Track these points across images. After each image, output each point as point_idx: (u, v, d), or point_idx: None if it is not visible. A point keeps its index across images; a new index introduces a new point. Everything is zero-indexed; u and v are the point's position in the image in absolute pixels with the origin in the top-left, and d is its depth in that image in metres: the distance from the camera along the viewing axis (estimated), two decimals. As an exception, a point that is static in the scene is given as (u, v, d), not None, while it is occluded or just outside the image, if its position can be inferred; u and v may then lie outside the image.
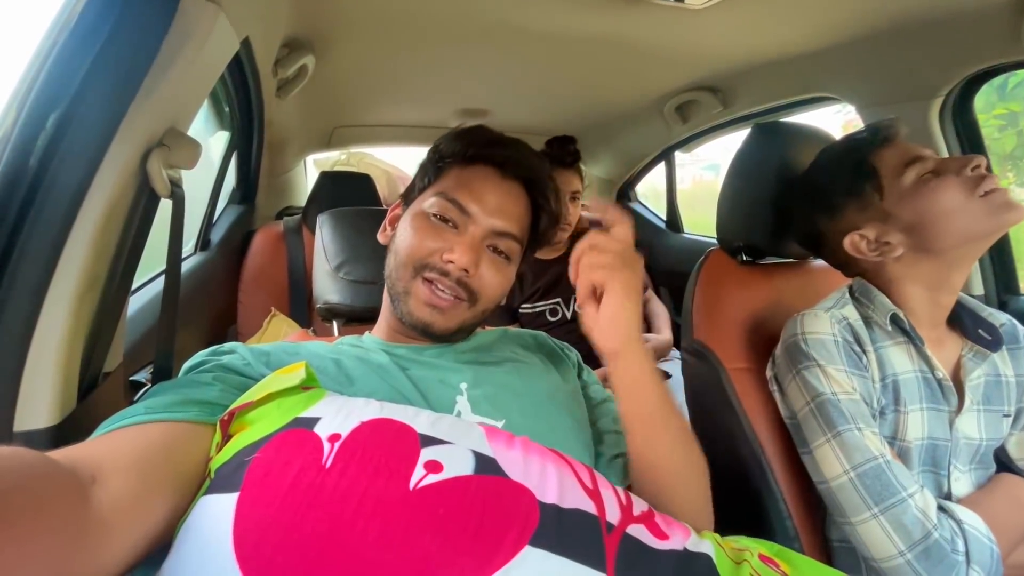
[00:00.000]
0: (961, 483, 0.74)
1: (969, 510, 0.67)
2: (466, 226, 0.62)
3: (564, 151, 1.52)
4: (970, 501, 0.73)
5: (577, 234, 1.65)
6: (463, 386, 0.61)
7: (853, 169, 0.77)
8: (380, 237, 0.72)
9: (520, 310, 1.59)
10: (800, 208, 0.86)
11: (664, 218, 2.09)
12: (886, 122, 0.79)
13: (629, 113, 1.76)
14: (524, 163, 0.66)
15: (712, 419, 0.89)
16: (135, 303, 0.91)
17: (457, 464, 0.43)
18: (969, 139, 1.07)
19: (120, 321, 0.58)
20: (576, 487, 0.46)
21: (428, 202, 0.63)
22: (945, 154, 1.05)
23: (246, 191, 1.58)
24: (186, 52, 0.52)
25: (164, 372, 0.63)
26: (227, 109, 1.30)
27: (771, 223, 0.93)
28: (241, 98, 1.19)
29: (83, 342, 0.52)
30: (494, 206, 0.63)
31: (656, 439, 0.57)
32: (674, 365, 1.49)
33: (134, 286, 0.97)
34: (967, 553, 0.63)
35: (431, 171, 0.67)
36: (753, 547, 0.52)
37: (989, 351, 0.76)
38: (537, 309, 1.57)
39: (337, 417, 0.46)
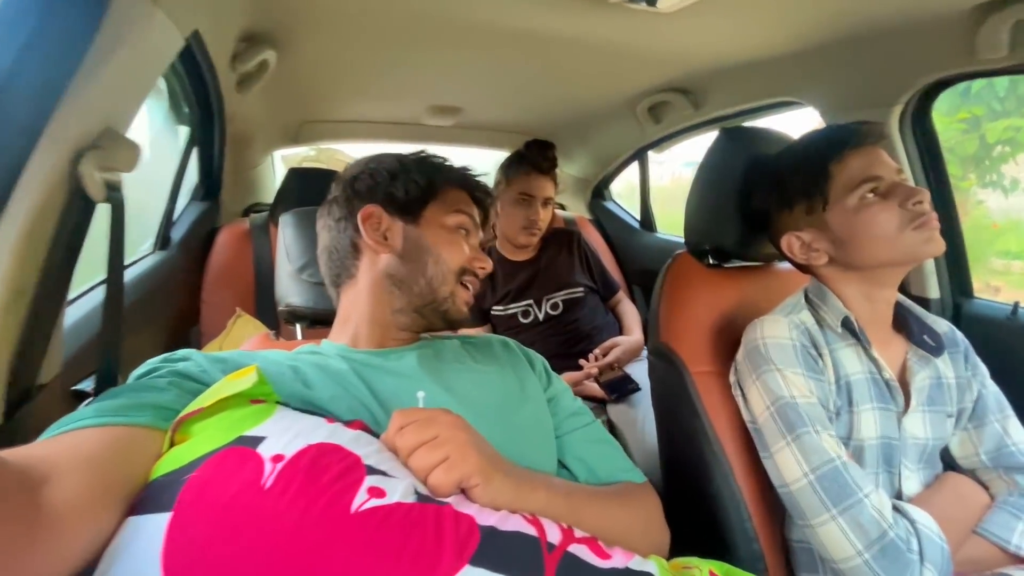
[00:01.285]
0: (911, 482, 0.76)
1: (921, 509, 0.69)
2: (475, 234, 0.75)
3: (542, 156, 1.52)
4: (920, 499, 0.75)
5: (548, 237, 1.65)
6: (420, 395, 0.61)
7: (814, 171, 0.77)
8: (370, 240, 0.69)
9: (492, 312, 1.58)
10: (761, 186, 0.86)
11: (638, 217, 2.10)
12: (866, 127, 0.77)
13: (602, 113, 1.76)
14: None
15: (676, 421, 0.90)
16: (83, 308, 0.87)
17: (400, 493, 0.43)
18: (927, 146, 1.10)
19: (55, 331, 0.55)
20: (516, 516, 0.46)
21: (452, 219, 0.72)
22: (904, 162, 1.08)
23: (209, 187, 1.53)
24: (121, 51, 0.49)
25: (109, 381, 0.61)
26: (184, 103, 1.25)
27: (737, 227, 0.93)
28: (198, 92, 1.15)
29: (10, 355, 0.49)
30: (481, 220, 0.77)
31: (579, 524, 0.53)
32: (644, 365, 1.50)
33: (83, 290, 0.93)
34: (921, 552, 0.64)
35: (423, 182, 0.73)
36: (703, 566, 0.53)
37: (932, 356, 0.79)
38: (509, 311, 1.56)
39: (284, 437, 0.45)
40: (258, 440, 0.44)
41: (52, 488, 0.36)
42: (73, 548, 0.37)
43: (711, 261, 0.99)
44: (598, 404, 1.45)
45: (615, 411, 1.40)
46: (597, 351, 1.47)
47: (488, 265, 0.74)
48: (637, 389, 1.38)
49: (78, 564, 0.37)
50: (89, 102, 0.49)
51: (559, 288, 1.57)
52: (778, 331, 0.77)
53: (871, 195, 0.74)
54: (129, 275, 1.16)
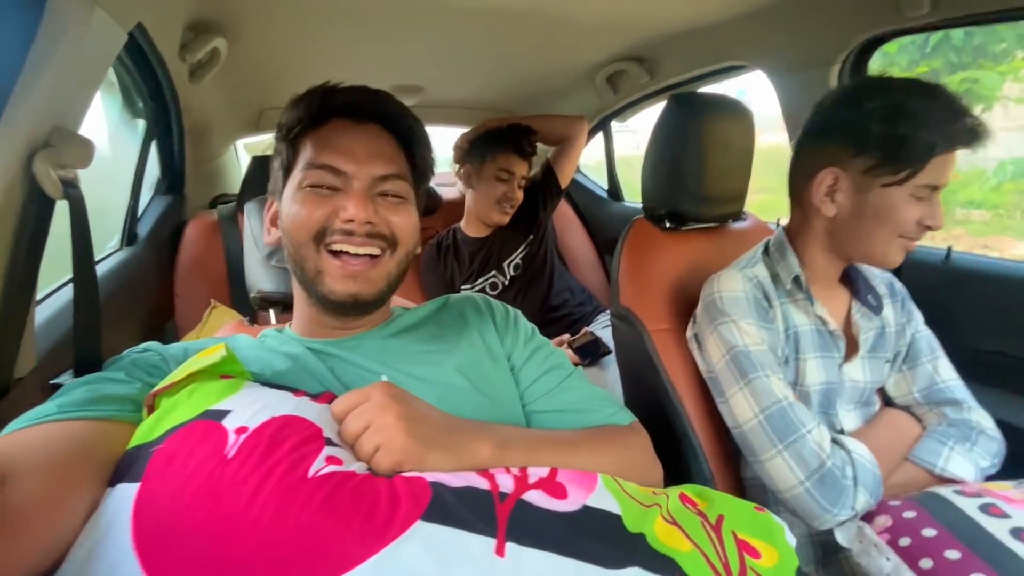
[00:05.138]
0: (848, 420, 0.83)
1: (857, 441, 0.75)
2: (348, 184, 0.59)
3: (526, 141, 1.56)
4: (859, 433, 0.82)
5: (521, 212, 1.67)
6: (384, 379, 0.60)
7: (920, 148, 0.68)
8: (267, 240, 0.67)
9: (462, 291, 1.62)
10: (869, 104, 0.72)
11: (605, 187, 2.13)
12: (983, 127, 0.68)
13: (562, 85, 1.78)
14: (373, 100, 0.63)
15: (638, 377, 0.95)
16: (60, 303, 0.88)
17: (356, 465, 0.45)
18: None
19: (26, 327, 0.57)
20: (468, 472, 0.47)
21: (299, 178, 0.60)
22: None
23: (172, 181, 1.52)
24: (63, 49, 0.50)
25: (87, 372, 0.62)
26: (138, 97, 1.23)
27: (692, 190, 0.97)
28: (150, 85, 1.13)
29: None
30: (364, 154, 0.60)
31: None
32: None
33: (57, 285, 0.93)
34: (855, 478, 0.71)
35: (286, 150, 0.62)
36: (674, 491, 0.53)
37: (874, 314, 0.85)
38: (477, 287, 1.61)
39: (249, 410, 0.46)
40: (224, 413, 0.45)
41: (12, 487, 0.36)
42: (37, 545, 0.37)
43: (667, 225, 1.03)
44: (572, 369, 1.51)
45: (588, 374, 1.46)
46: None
47: (350, 212, 0.57)
48: (608, 352, 1.44)
49: (42, 560, 0.38)
50: (37, 102, 0.50)
51: (515, 249, 1.63)
52: (733, 285, 0.81)
53: (917, 198, 0.71)
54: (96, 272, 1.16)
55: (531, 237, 1.64)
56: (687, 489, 0.54)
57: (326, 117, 0.61)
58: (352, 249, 0.59)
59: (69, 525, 0.39)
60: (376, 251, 0.60)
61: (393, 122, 0.64)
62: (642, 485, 0.56)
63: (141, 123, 1.35)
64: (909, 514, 0.68)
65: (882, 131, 0.70)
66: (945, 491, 0.69)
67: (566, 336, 1.50)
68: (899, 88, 0.71)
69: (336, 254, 0.59)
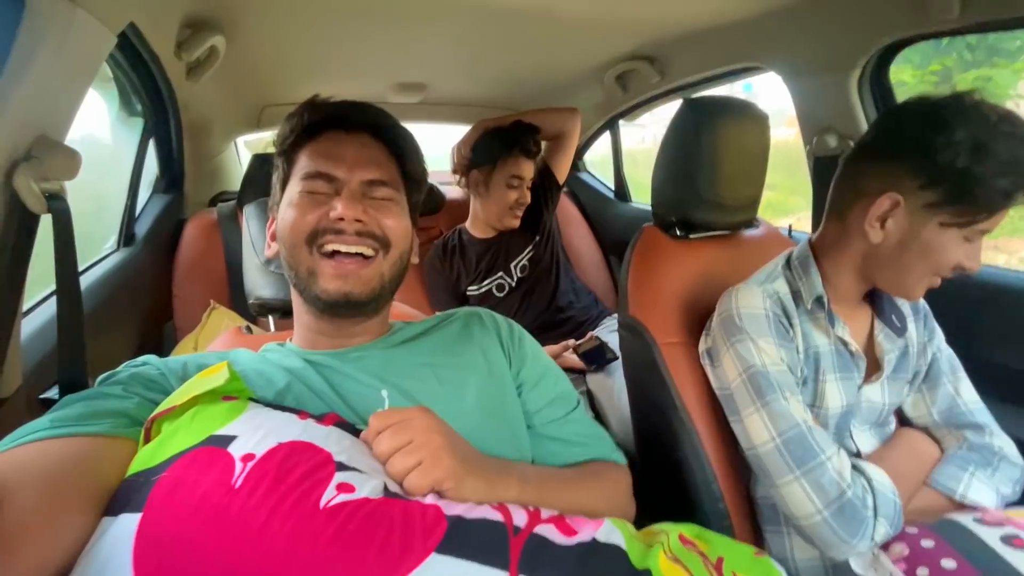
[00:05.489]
0: (863, 441, 0.80)
1: (878, 468, 0.72)
2: (339, 188, 0.62)
3: (532, 141, 1.53)
4: (876, 456, 0.79)
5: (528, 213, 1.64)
6: (384, 393, 0.60)
7: (996, 193, 0.63)
8: (268, 254, 0.69)
9: (468, 293, 1.60)
10: (920, 121, 0.68)
11: (612, 187, 2.10)
12: None
13: (570, 83, 1.74)
14: (362, 110, 0.66)
15: (646, 391, 0.93)
16: (46, 315, 0.86)
17: (369, 488, 0.44)
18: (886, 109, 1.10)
19: (11, 345, 0.55)
20: (483, 505, 0.47)
21: (294, 187, 0.63)
22: (864, 127, 1.08)
23: (171, 179, 1.49)
24: (45, 55, 0.47)
25: (73, 389, 0.60)
26: (134, 94, 1.20)
27: (704, 197, 0.94)
28: (146, 84, 1.11)
29: None
30: (353, 159, 0.63)
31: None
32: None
33: (43, 296, 0.91)
34: (875, 507, 0.68)
35: (283, 163, 0.66)
36: (673, 530, 0.54)
37: (897, 336, 0.81)
38: (484, 289, 1.58)
39: (255, 436, 0.45)
40: (229, 439, 0.44)
41: (4, 505, 0.36)
42: (28, 564, 0.37)
43: (678, 233, 1.00)
44: (578, 374, 1.49)
45: (593, 380, 1.43)
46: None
47: (339, 210, 0.59)
48: (615, 358, 1.41)
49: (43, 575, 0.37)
50: (17, 111, 0.47)
51: (522, 250, 1.61)
52: (753, 301, 0.78)
53: (966, 240, 0.68)
54: (93, 275, 1.14)
55: (537, 238, 1.62)
56: (685, 530, 0.54)
57: (319, 129, 0.65)
58: (344, 247, 0.60)
59: (65, 543, 0.39)
60: (368, 251, 0.61)
61: (382, 132, 0.67)
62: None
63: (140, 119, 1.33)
64: (927, 543, 0.65)
65: (962, 168, 0.63)
66: (965, 519, 0.66)
67: (571, 341, 1.47)
68: (991, 121, 0.63)
69: (329, 256, 0.60)
